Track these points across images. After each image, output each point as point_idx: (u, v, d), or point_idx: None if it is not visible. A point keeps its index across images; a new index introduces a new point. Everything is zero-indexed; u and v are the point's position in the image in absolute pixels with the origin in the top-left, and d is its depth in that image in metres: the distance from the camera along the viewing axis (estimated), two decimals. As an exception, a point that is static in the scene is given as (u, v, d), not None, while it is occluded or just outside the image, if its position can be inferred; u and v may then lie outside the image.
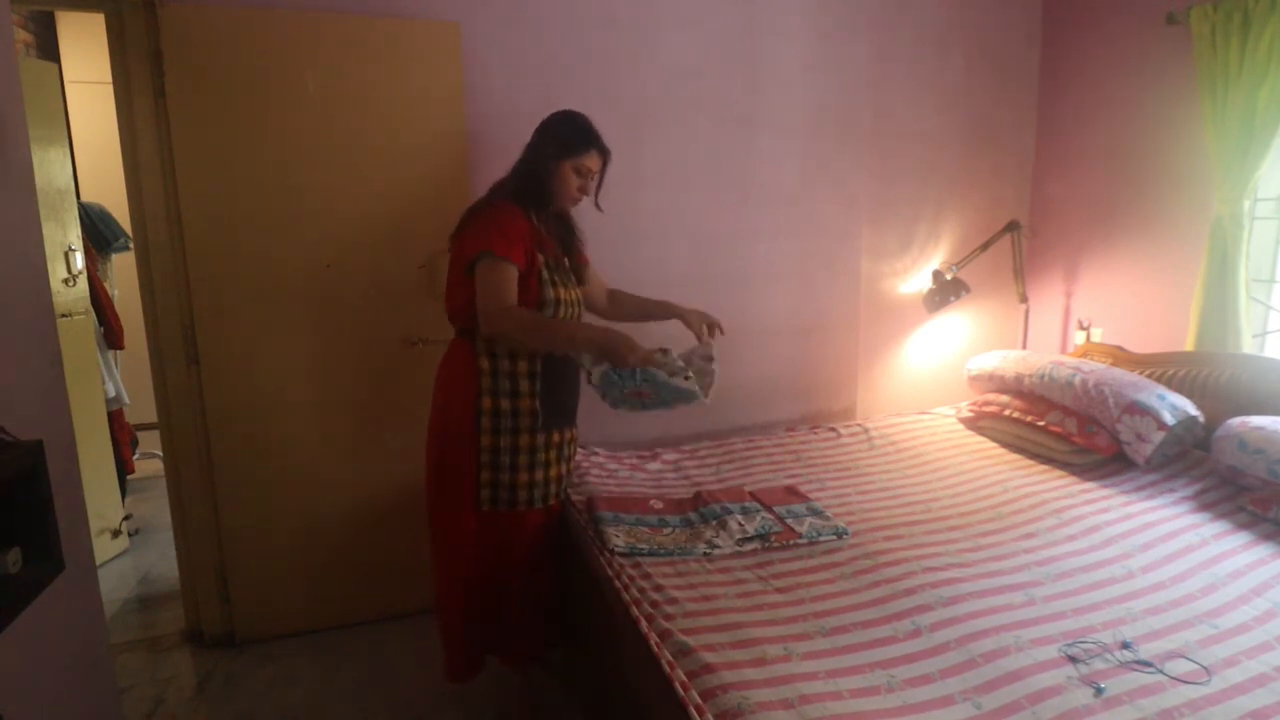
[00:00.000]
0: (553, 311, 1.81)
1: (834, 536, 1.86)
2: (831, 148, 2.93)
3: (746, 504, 2.00)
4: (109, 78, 2.18)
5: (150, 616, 2.62)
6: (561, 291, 1.83)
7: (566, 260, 1.93)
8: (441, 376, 1.89)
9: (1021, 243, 3.11)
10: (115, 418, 3.12)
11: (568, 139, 1.80)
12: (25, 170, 1.48)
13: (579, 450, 2.40)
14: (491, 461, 1.82)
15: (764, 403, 3.02)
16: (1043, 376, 2.50)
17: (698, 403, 1.77)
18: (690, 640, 1.39)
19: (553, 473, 1.91)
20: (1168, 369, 2.53)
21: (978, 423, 2.69)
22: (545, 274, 1.79)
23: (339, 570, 2.48)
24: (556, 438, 1.90)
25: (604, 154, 1.85)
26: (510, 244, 1.71)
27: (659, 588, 1.61)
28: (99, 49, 2.43)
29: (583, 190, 1.86)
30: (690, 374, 1.75)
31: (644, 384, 1.73)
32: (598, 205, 1.90)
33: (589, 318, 2.03)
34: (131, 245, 2.50)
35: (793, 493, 2.12)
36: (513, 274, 1.72)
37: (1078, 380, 2.39)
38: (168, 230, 2.21)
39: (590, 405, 2.03)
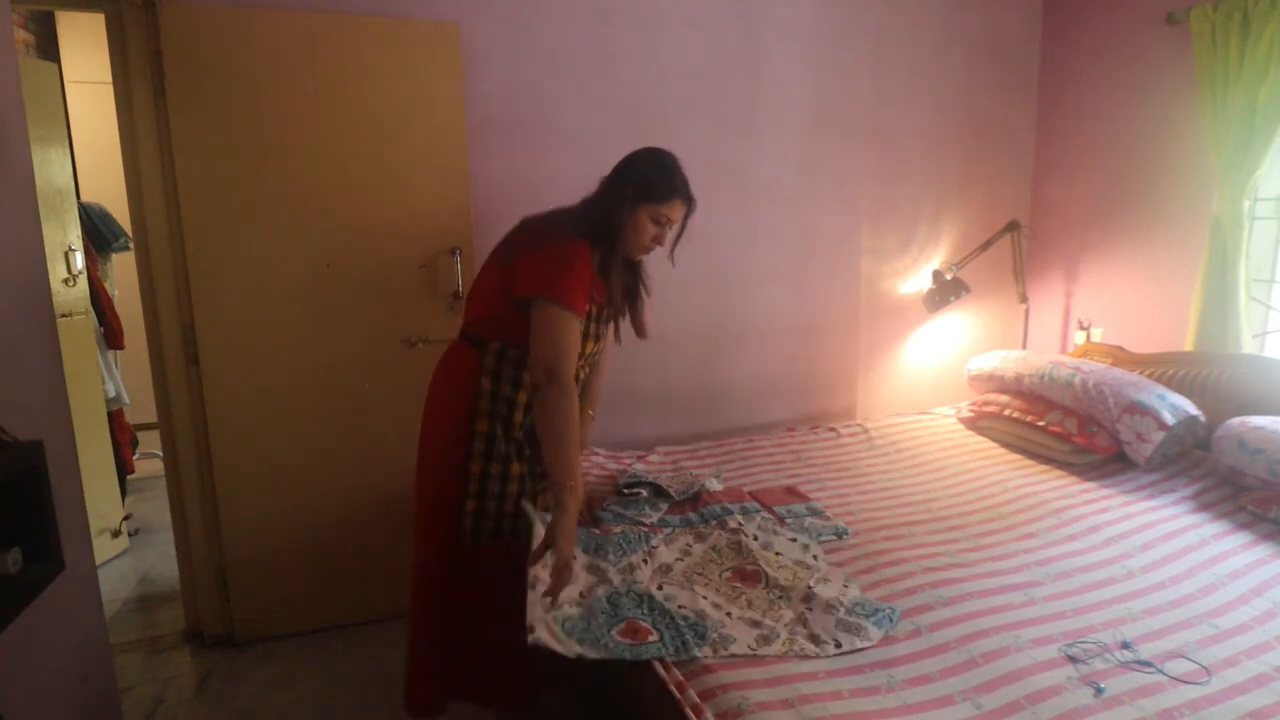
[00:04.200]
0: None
1: (834, 536, 1.86)
2: (831, 148, 2.93)
3: (746, 504, 2.00)
4: (109, 78, 2.17)
5: (150, 616, 2.62)
6: (589, 344, 1.68)
7: (607, 309, 1.73)
8: (438, 387, 1.74)
9: (1022, 243, 3.11)
10: (115, 418, 3.12)
11: (650, 183, 1.64)
12: (25, 170, 1.48)
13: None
14: (479, 490, 1.65)
15: (764, 403, 3.02)
16: (1043, 376, 2.50)
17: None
18: (690, 640, 1.39)
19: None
20: (1168, 369, 2.54)
21: (978, 423, 2.69)
22: (583, 324, 1.62)
23: (339, 570, 2.48)
24: (537, 469, 1.74)
25: (689, 203, 1.68)
26: (577, 295, 1.55)
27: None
28: (99, 49, 2.44)
29: (657, 240, 1.69)
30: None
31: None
32: (672, 258, 1.73)
33: None
34: (131, 245, 2.50)
35: (793, 493, 2.12)
36: (578, 333, 1.57)
37: (1078, 380, 2.39)
38: (168, 230, 2.21)
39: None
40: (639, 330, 1.82)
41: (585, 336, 1.64)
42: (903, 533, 1.90)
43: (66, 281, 2.74)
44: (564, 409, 1.50)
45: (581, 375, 1.73)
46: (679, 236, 1.73)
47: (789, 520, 1.92)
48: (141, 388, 2.76)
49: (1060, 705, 1.23)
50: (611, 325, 1.79)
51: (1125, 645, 1.40)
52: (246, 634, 2.44)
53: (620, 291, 1.72)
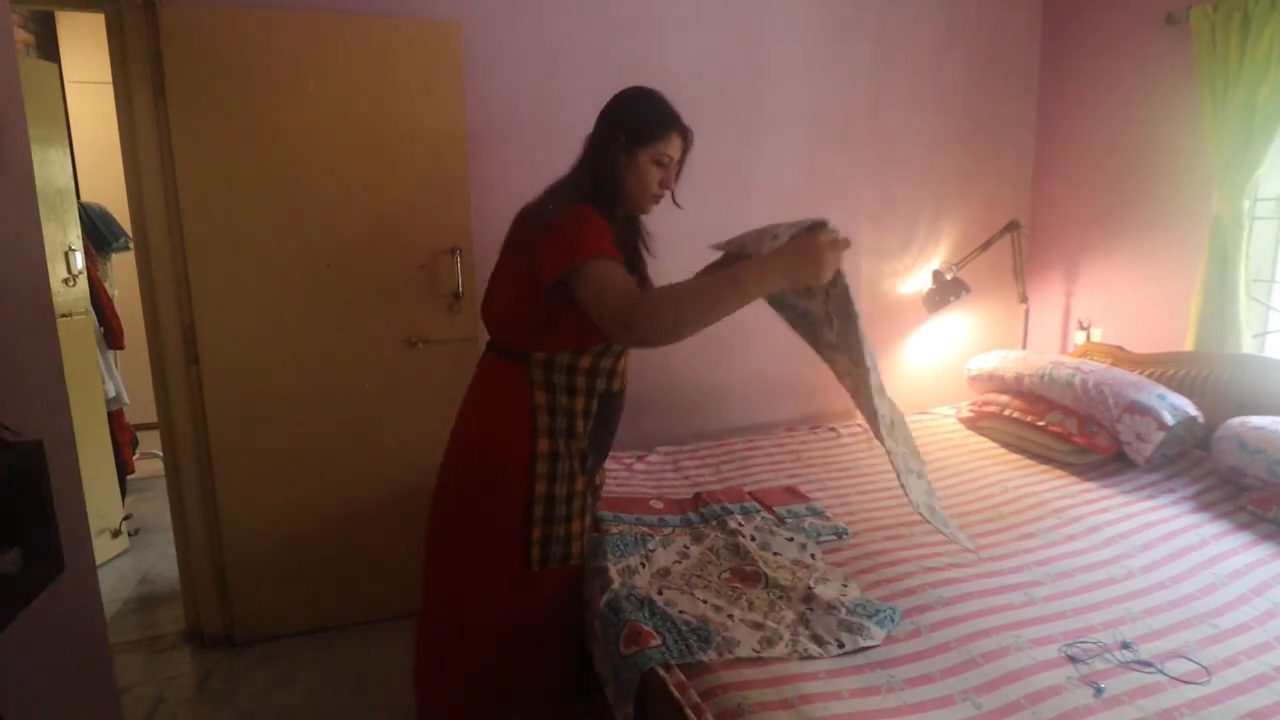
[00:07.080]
0: None
1: (834, 536, 1.86)
2: (831, 148, 2.93)
3: (746, 504, 2.00)
4: (109, 78, 2.17)
5: (150, 616, 2.62)
6: None
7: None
8: (480, 407, 1.58)
9: (1022, 243, 3.11)
10: (115, 418, 3.12)
11: (642, 125, 1.52)
12: (25, 170, 1.47)
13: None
14: (545, 515, 1.53)
15: (764, 403, 3.02)
16: (1043, 376, 2.50)
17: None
18: (690, 640, 1.39)
19: (588, 521, 1.67)
20: (1168, 369, 2.53)
21: (978, 423, 2.69)
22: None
23: (339, 570, 2.48)
24: (598, 480, 1.71)
25: (685, 135, 1.55)
26: (605, 241, 1.42)
27: (659, 588, 1.60)
28: (99, 49, 2.44)
29: (664, 184, 1.56)
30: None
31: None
32: (675, 200, 1.62)
33: None
34: (131, 245, 2.50)
35: (793, 493, 2.12)
36: (622, 269, 1.42)
37: (1078, 380, 2.39)
38: (168, 230, 2.21)
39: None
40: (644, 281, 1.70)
41: None
42: (903, 533, 1.90)
43: (66, 281, 2.73)
44: (673, 299, 1.34)
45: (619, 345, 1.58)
46: (678, 175, 1.59)
47: (789, 520, 1.92)
48: (141, 388, 2.75)
49: (1060, 705, 1.23)
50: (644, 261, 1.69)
51: (1125, 645, 1.40)
52: (246, 634, 2.44)
53: (627, 246, 1.59)
